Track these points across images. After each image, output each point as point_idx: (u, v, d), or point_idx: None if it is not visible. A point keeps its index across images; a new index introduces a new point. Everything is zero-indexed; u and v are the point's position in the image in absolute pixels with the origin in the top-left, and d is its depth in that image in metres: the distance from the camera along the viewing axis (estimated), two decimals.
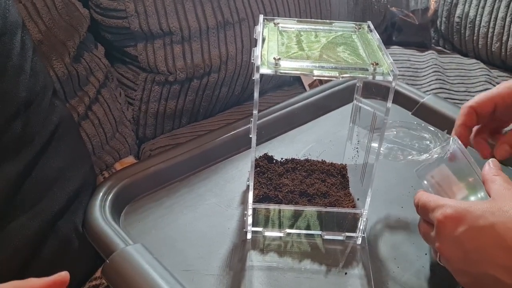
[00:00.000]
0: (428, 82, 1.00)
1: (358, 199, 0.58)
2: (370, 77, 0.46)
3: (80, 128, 0.70)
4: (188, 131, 0.85)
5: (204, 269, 0.51)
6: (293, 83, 1.00)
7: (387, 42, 1.20)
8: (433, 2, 1.17)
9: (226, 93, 0.88)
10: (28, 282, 0.38)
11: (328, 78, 0.47)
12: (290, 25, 0.55)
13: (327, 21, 0.56)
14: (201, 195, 0.61)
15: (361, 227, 0.55)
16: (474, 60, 1.10)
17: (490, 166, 0.47)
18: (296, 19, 0.56)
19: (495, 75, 1.06)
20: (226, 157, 0.67)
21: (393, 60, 0.47)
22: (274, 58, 0.45)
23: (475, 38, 1.11)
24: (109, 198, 0.58)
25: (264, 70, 0.45)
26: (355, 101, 0.63)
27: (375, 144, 0.53)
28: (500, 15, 1.05)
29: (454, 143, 0.50)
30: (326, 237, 0.56)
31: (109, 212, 0.57)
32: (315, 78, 0.73)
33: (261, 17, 0.54)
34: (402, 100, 0.79)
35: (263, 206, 0.55)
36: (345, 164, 0.63)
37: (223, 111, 0.91)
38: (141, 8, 0.76)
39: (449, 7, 1.15)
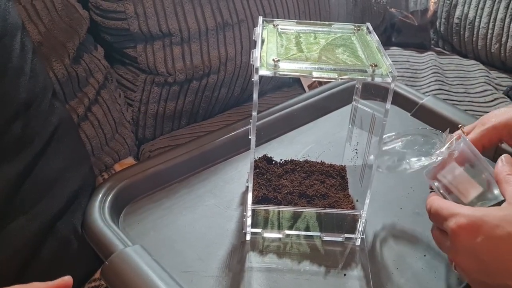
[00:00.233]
0: (427, 83, 1.00)
1: (357, 200, 0.58)
2: (369, 79, 0.46)
3: (80, 129, 0.70)
4: (188, 132, 0.85)
5: (203, 271, 0.51)
6: (293, 84, 1.01)
7: (387, 43, 1.20)
8: (432, 3, 1.17)
9: (225, 94, 0.88)
10: (32, 286, 0.38)
11: (327, 80, 0.47)
12: (289, 26, 0.55)
13: (326, 22, 0.56)
14: (200, 196, 0.61)
15: (360, 229, 0.55)
16: (473, 61, 1.10)
17: (503, 163, 0.45)
18: (295, 20, 0.56)
19: (494, 76, 1.06)
20: (225, 158, 0.68)
21: (392, 61, 0.47)
22: (273, 60, 0.46)
23: (474, 39, 1.11)
24: (108, 199, 0.58)
25: (263, 72, 0.45)
26: (354, 102, 0.63)
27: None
28: (500, 16, 1.05)
29: (461, 141, 0.49)
30: (325, 238, 0.56)
31: (108, 213, 0.57)
32: (313, 79, 0.73)
33: (260, 18, 0.55)
34: (401, 101, 0.79)
35: (262, 207, 0.55)
36: (344, 165, 0.63)
37: (222, 112, 0.91)
38: (140, 10, 0.76)
39: (448, 8, 1.15)
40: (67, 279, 0.39)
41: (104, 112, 0.75)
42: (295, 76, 0.47)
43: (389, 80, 0.46)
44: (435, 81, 1.00)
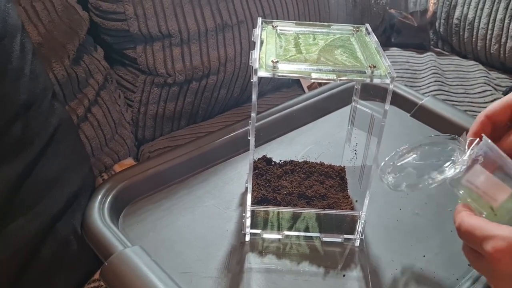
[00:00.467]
0: (426, 84, 1.00)
1: (356, 201, 0.58)
2: (368, 80, 0.46)
3: (80, 130, 0.70)
4: (187, 133, 0.85)
5: (202, 271, 0.52)
6: (292, 85, 1.01)
7: (386, 43, 1.20)
8: (432, 4, 1.17)
9: (225, 95, 0.88)
10: None
11: (326, 81, 0.47)
12: (288, 27, 0.55)
13: (325, 23, 0.56)
14: (199, 197, 0.61)
15: (359, 229, 0.55)
16: (472, 62, 1.10)
17: None
18: (294, 21, 0.56)
19: (494, 76, 1.06)
20: (225, 159, 0.68)
21: (392, 61, 0.47)
22: (272, 61, 0.46)
23: (474, 39, 1.11)
24: (108, 200, 0.58)
25: (262, 73, 0.45)
26: (353, 103, 0.63)
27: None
28: (499, 16, 1.05)
29: (483, 144, 0.45)
30: (325, 239, 0.56)
31: (108, 214, 0.57)
32: (312, 80, 0.73)
33: (260, 19, 0.55)
34: (400, 101, 0.79)
35: (261, 208, 0.55)
36: (344, 166, 0.63)
37: (222, 113, 0.92)
38: (140, 11, 0.76)
39: (448, 9, 1.15)
40: None
41: (103, 113, 0.75)
42: (294, 77, 0.47)
43: (387, 81, 0.46)
44: (435, 81, 1.00)
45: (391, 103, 0.49)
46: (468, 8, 1.11)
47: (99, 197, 0.58)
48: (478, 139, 0.46)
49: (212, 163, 0.67)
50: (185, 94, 0.84)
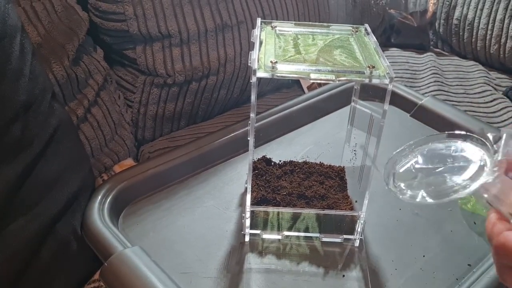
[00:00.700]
0: (426, 84, 1.00)
1: (356, 201, 0.58)
2: (367, 80, 0.46)
3: (79, 130, 0.70)
4: (187, 134, 0.85)
5: (202, 272, 0.52)
6: (292, 85, 1.01)
7: (386, 44, 1.20)
8: (431, 4, 1.17)
9: (224, 95, 0.88)
10: None
11: (325, 81, 0.47)
12: (287, 28, 0.55)
13: (324, 24, 0.56)
14: (199, 198, 0.62)
15: (359, 230, 0.55)
16: (472, 62, 1.10)
17: None
18: (293, 22, 0.56)
19: (494, 77, 1.06)
20: (224, 159, 0.68)
21: (392, 62, 0.47)
22: (271, 62, 0.46)
23: (473, 40, 1.11)
24: (108, 200, 0.58)
25: (261, 74, 0.45)
26: (353, 104, 0.63)
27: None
28: (499, 17, 1.05)
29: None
30: (324, 239, 0.56)
31: (108, 215, 0.57)
32: (311, 81, 0.73)
33: (259, 20, 0.55)
34: (400, 102, 0.79)
35: (261, 208, 0.55)
36: (343, 166, 0.63)
37: (221, 114, 0.92)
38: (140, 11, 0.76)
39: (447, 9, 1.15)
40: None
41: (103, 114, 0.75)
42: (293, 77, 0.47)
43: (386, 81, 0.46)
44: (435, 81, 1.00)
45: (391, 104, 0.49)
46: (468, 8, 1.11)
47: (99, 197, 0.58)
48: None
49: (212, 164, 0.67)
50: (184, 94, 0.84)
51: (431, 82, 1.00)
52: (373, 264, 0.53)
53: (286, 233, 0.56)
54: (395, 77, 0.46)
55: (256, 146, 0.51)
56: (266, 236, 0.56)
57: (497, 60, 1.09)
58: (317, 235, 0.56)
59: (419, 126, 0.76)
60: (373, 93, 0.59)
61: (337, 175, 0.62)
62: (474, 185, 0.37)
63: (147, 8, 0.76)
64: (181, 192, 0.62)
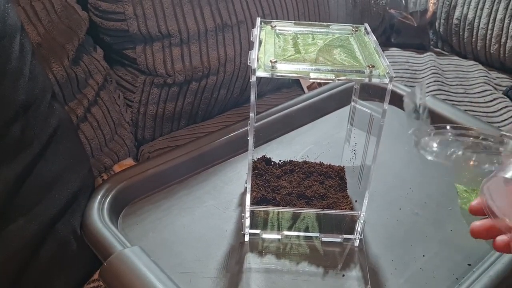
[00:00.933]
0: (426, 84, 1.00)
1: (356, 201, 0.58)
2: (366, 80, 0.46)
3: (79, 130, 0.70)
4: (187, 133, 0.85)
5: (201, 272, 0.52)
6: (292, 85, 1.01)
7: (386, 44, 1.20)
8: (431, 4, 1.17)
9: (224, 95, 0.88)
10: None
11: (324, 81, 0.47)
12: (287, 27, 0.55)
13: (324, 23, 0.56)
14: (199, 197, 0.61)
15: (358, 229, 0.55)
16: (472, 62, 1.10)
17: None
18: (293, 21, 0.56)
19: (494, 76, 1.06)
20: (224, 159, 0.68)
21: (392, 62, 0.47)
22: (271, 61, 0.46)
23: (473, 40, 1.11)
24: (107, 200, 0.58)
25: (261, 73, 0.45)
26: (352, 103, 0.63)
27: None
28: (499, 16, 1.05)
29: None
30: (324, 239, 0.56)
31: (107, 215, 0.57)
32: (311, 80, 0.73)
33: (258, 20, 0.55)
34: (400, 101, 0.79)
35: (261, 208, 0.55)
36: (343, 166, 0.63)
37: (221, 113, 0.92)
38: (139, 11, 0.76)
39: (447, 9, 1.15)
40: None
41: (103, 113, 0.75)
42: (293, 77, 0.47)
43: (386, 81, 0.46)
44: (435, 81, 1.00)
45: (390, 103, 0.49)
46: (468, 8, 1.11)
47: (99, 197, 0.58)
48: None
49: (212, 164, 0.67)
50: (184, 94, 0.84)
51: (431, 82, 1.00)
52: (373, 264, 0.53)
53: (286, 232, 0.56)
54: (395, 77, 0.46)
55: (256, 145, 0.51)
56: (265, 235, 0.56)
57: (497, 59, 1.09)
58: (317, 234, 0.56)
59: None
60: (373, 92, 0.59)
61: (337, 174, 0.62)
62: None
63: (147, 7, 0.76)
64: (180, 192, 0.62)
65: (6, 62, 0.49)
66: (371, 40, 0.53)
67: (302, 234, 0.56)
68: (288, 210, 0.55)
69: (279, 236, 0.56)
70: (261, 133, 0.69)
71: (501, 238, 0.38)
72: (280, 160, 0.64)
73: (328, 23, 0.56)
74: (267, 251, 0.54)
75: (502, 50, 1.06)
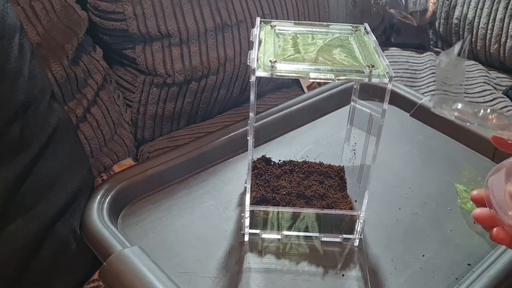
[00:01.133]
0: (426, 84, 1.00)
1: (355, 201, 0.58)
2: (366, 79, 0.46)
3: (79, 130, 0.70)
4: (187, 133, 0.85)
5: (201, 271, 0.51)
6: (292, 85, 1.01)
7: (386, 43, 1.20)
8: (431, 4, 1.17)
9: (224, 95, 0.88)
10: None
11: (324, 81, 0.47)
12: (287, 27, 0.55)
13: (324, 23, 0.56)
14: (199, 197, 0.61)
15: (358, 229, 0.55)
16: (472, 62, 1.10)
17: None
18: (293, 21, 0.56)
19: (494, 76, 1.06)
20: (224, 159, 0.68)
21: (392, 61, 0.47)
22: (270, 61, 0.46)
23: (473, 39, 1.11)
24: (107, 200, 0.58)
25: (260, 73, 0.45)
26: (352, 103, 0.63)
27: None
28: (499, 16, 1.05)
29: None
30: (324, 239, 0.56)
31: (107, 215, 0.57)
32: (311, 80, 0.73)
33: (258, 19, 0.55)
34: (400, 101, 0.79)
35: (260, 208, 0.55)
36: (343, 166, 0.63)
37: (221, 113, 0.91)
38: (139, 11, 0.76)
39: (447, 9, 1.15)
40: None
41: (103, 113, 0.75)
42: (292, 77, 0.47)
43: (386, 80, 0.46)
44: (434, 81, 1.00)
45: (390, 103, 0.49)
46: (468, 8, 1.11)
47: (98, 197, 0.58)
48: None
49: (211, 163, 0.67)
50: (184, 94, 0.84)
51: (431, 82, 1.00)
52: (372, 264, 0.53)
53: (286, 232, 0.56)
54: (394, 77, 0.46)
55: (256, 145, 0.51)
56: (265, 235, 0.56)
57: (497, 59, 1.09)
58: (317, 234, 0.56)
59: (419, 126, 0.76)
60: (372, 92, 0.59)
61: (336, 174, 0.62)
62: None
63: (147, 7, 0.76)
64: (180, 192, 0.62)
65: (5, 62, 0.49)
66: (371, 40, 0.52)
67: (302, 234, 0.56)
68: (288, 210, 0.55)
69: (279, 236, 0.56)
70: (260, 133, 0.69)
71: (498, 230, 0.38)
72: (279, 160, 0.64)
73: (328, 23, 0.56)
74: (267, 251, 0.54)
75: (502, 50, 1.06)
